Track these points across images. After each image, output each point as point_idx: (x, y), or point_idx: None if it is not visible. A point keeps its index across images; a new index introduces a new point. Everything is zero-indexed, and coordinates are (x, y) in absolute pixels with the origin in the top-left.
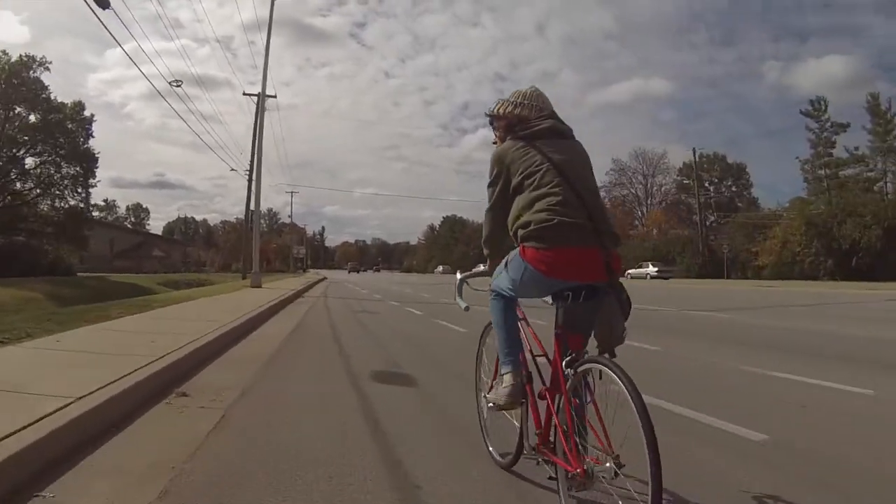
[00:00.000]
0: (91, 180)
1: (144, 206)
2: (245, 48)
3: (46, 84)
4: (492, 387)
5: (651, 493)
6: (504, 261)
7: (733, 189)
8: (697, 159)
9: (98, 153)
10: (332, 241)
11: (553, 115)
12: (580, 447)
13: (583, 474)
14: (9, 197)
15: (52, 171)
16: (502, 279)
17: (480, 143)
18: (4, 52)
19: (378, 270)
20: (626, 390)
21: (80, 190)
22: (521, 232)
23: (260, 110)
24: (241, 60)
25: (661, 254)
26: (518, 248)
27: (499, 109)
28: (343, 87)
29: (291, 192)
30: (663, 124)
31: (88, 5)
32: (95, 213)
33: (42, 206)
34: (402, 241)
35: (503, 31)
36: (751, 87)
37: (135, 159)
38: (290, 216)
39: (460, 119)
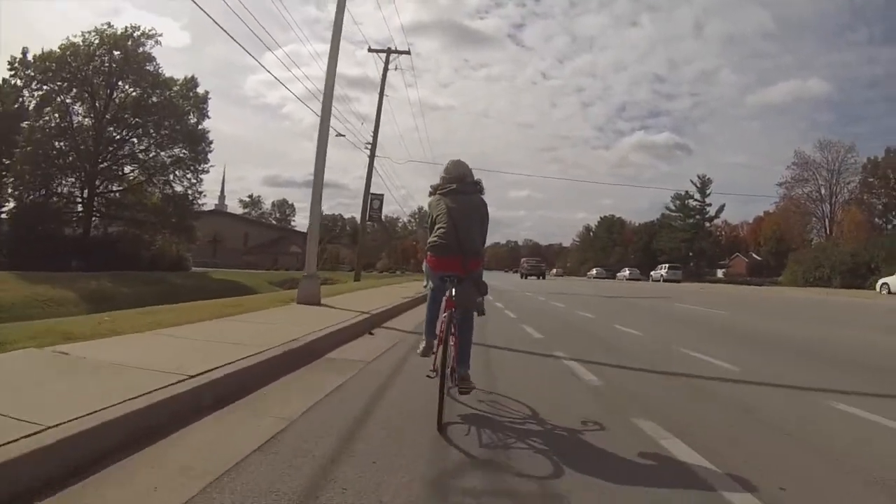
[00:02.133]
0: (202, 165)
1: (290, 202)
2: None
3: (153, 56)
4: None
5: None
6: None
7: None
8: (883, 157)
9: (209, 132)
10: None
11: (460, 180)
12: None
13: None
14: (106, 182)
15: (157, 153)
16: (426, 275)
17: (636, 145)
18: (109, 25)
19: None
20: (454, 325)
21: (188, 175)
22: (426, 247)
23: (329, 66)
24: (399, 61)
25: (862, 261)
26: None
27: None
28: (501, 88)
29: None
30: (821, 127)
31: None
32: (238, 208)
33: (152, 193)
34: (554, 242)
35: (661, 31)
36: None
37: (292, 158)
38: None
39: (616, 121)
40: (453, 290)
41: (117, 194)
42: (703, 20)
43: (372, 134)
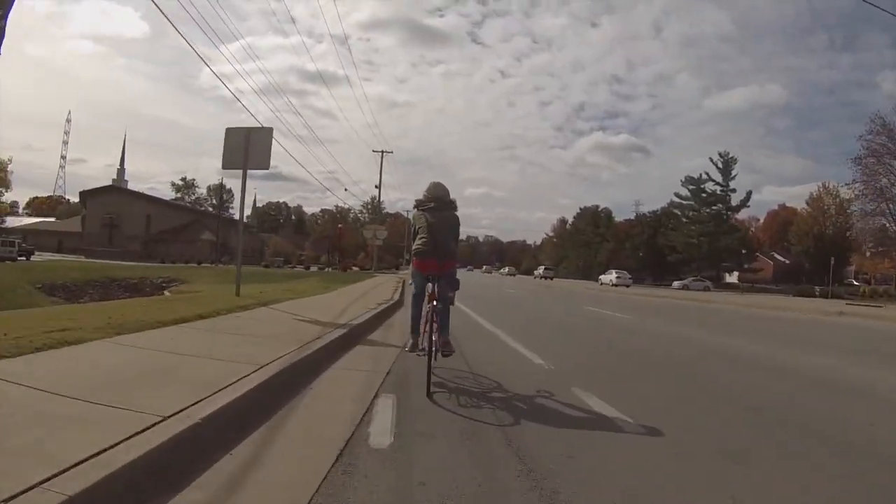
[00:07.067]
0: None
1: (228, 187)
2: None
3: None
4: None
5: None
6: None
7: None
8: None
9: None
10: None
11: (439, 199)
12: (433, 334)
13: (430, 347)
14: None
15: None
16: (411, 274)
17: (594, 145)
18: None
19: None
20: (436, 314)
21: None
22: (412, 253)
23: None
24: (357, 56)
25: None
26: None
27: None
28: (458, 85)
29: (382, 153)
30: (778, 133)
31: None
32: (171, 193)
33: None
34: (517, 238)
35: (620, 32)
36: (868, 96)
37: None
38: (378, 185)
39: (575, 121)
40: (434, 286)
41: None
42: (661, 22)
43: None
